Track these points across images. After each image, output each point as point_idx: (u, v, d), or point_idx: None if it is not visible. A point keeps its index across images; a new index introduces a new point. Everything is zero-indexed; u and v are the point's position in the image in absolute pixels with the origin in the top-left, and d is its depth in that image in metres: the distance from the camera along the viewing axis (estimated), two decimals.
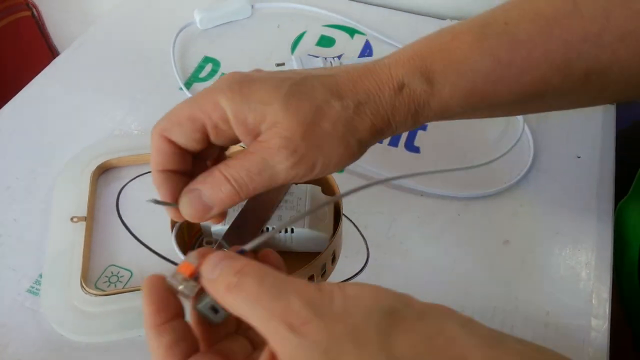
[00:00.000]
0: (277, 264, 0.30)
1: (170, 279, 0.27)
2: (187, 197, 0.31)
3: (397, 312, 0.23)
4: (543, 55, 0.31)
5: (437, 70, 0.31)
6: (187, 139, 0.31)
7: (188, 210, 0.31)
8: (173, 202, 0.31)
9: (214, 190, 0.30)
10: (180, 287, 0.26)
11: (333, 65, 0.64)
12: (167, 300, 0.26)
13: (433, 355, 0.22)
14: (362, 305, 0.23)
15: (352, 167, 0.54)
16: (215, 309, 0.26)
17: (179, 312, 0.27)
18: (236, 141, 0.32)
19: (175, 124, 0.30)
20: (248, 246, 0.28)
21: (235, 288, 0.23)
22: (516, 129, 0.58)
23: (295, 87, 0.30)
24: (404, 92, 0.31)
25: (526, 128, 0.57)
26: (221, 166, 0.30)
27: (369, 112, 0.31)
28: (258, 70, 0.32)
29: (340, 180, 0.42)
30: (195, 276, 0.26)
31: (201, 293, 0.26)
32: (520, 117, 0.58)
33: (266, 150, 0.29)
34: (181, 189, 0.31)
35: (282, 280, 0.23)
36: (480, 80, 0.32)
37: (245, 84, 0.30)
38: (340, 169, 0.32)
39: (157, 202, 0.32)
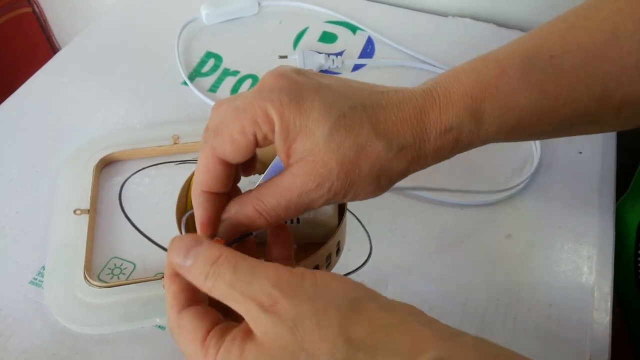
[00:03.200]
0: (286, 240, 0.32)
1: None
2: (224, 224, 0.31)
3: (361, 301, 0.26)
4: (585, 87, 0.32)
5: (486, 110, 0.31)
6: (240, 155, 0.30)
7: (229, 234, 0.31)
8: (212, 226, 0.31)
9: (249, 222, 0.30)
10: None
11: (335, 62, 0.64)
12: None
13: (390, 342, 0.24)
14: (330, 290, 0.25)
15: None
16: None
17: None
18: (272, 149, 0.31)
19: (228, 141, 0.29)
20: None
21: (212, 276, 0.26)
22: None
23: (342, 120, 0.29)
24: (451, 134, 0.31)
25: None
26: (254, 201, 0.30)
27: (409, 156, 0.31)
28: (303, 74, 0.31)
29: None
30: None
31: None
32: None
33: (302, 188, 0.29)
34: (219, 209, 0.31)
35: (254, 267, 0.26)
36: (526, 114, 0.32)
37: (294, 98, 0.29)
38: (360, 200, 0.32)
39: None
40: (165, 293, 0.29)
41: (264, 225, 0.31)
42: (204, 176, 0.31)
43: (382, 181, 0.31)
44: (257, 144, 0.30)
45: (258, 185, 0.31)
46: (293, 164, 0.30)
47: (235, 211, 0.31)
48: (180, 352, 0.27)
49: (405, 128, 0.30)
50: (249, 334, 0.25)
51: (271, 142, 0.30)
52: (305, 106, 0.29)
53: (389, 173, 0.31)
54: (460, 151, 0.33)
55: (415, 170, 0.32)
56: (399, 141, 0.30)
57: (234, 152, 0.29)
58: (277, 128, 0.29)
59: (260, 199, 0.30)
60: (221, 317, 0.27)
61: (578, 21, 0.33)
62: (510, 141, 0.35)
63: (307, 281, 0.25)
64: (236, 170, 0.32)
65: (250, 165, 0.34)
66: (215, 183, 0.31)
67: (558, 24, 0.34)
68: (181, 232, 0.37)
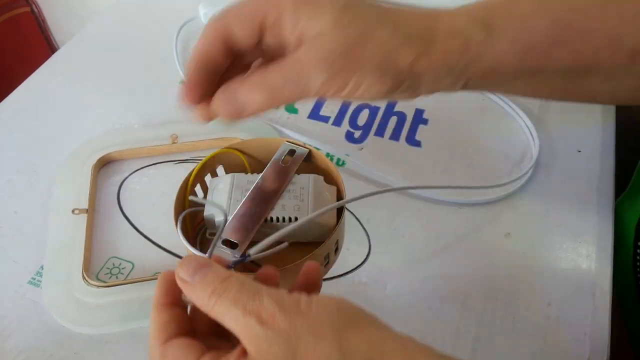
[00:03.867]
0: (273, 276, 0.32)
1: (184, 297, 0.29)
2: (223, 95, 0.31)
3: (358, 319, 0.26)
4: (597, 23, 0.32)
5: (497, 23, 0.31)
6: (245, 35, 0.30)
7: (222, 108, 0.31)
8: (201, 98, 0.32)
9: (250, 92, 0.30)
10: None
11: None
12: (174, 287, 0.29)
13: (386, 353, 0.25)
14: (324, 306, 0.26)
15: (352, 163, 0.54)
16: None
17: (181, 304, 0.29)
18: (278, 48, 0.31)
19: (238, 17, 0.30)
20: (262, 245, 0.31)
21: (217, 293, 0.26)
22: (518, 123, 0.58)
23: (351, 3, 0.30)
24: (460, 38, 0.31)
25: (528, 121, 0.57)
26: (259, 71, 0.30)
27: (416, 47, 0.30)
28: None
29: (344, 174, 0.42)
30: None
31: None
32: (521, 111, 0.58)
33: (304, 62, 0.29)
34: (211, 89, 0.31)
35: (259, 287, 0.27)
36: (538, 39, 0.31)
37: None
38: (369, 99, 0.31)
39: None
40: (151, 322, 0.28)
41: (261, 100, 0.30)
42: (205, 45, 0.31)
43: (386, 72, 0.30)
44: (265, 28, 0.30)
45: (262, 65, 0.32)
46: (300, 46, 0.30)
47: (237, 83, 0.31)
48: None
49: (414, 20, 0.30)
50: (243, 354, 0.25)
51: (274, 37, 0.30)
52: None
53: (395, 63, 0.30)
54: (471, 72, 0.32)
55: (422, 78, 0.31)
56: (406, 30, 0.30)
57: (241, 29, 0.30)
58: (288, 12, 0.29)
59: (263, 69, 0.30)
60: (206, 349, 0.27)
61: None
62: (523, 84, 0.34)
63: (303, 300, 0.26)
64: (235, 59, 0.32)
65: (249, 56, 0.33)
66: (213, 52, 0.31)
67: None
68: (178, 231, 0.37)
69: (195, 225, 0.43)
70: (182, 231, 0.37)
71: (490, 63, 0.32)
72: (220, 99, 0.31)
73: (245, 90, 0.30)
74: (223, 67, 0.32)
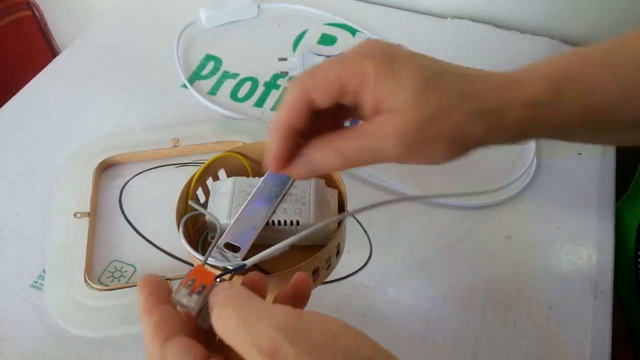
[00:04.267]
0: (259, 284, 0.31)
1: (175, 294, 0.28)
2: (301, 159, 0.32)
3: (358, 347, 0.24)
4: None
5: (568, 89, 0.32)
6: (327, 99, 0.31)
7: (299, 171, 0.33)
8: (286, 164, 0.33)
9: (327, 157, 0.32)
10: (185, 301, 0.28)
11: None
12: (157, 287, 0.28)
13: None
14: (339, 345, 0.23)
15: None
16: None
17: (168, 300, 0.28)
18: (355, 105, 0.32)
19: (322, 83, 0.31)
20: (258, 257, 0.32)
21: (219, 317, 0.25)
22: None
23: (431, 80, 0.30)
24: (530, 109, 0.32)
25: None
26: (335, 136, 0.32)
27: (489, 122, 0.31)
28: (399, 46, 0.32)
29: (345, 177, 0.42)
30: (198, 290, 0.28)
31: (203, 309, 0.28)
32: None
33: (381, 135, 0.30)
34: (292, 147, 0.32)
35: (260, 308, 0.25)
36: (604, 104, 0.32)
37: (390, 58, 0.31)
38: (431, 164, 0.33)
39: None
40: (143, 327, 0.27)
41: (336, 164, 0.32)
42: (288, 110, 0.32)
43: (457, 144, 0.31)
44: (345, 95, 0.31)
45: (340, 130, 0.32)
46: (376, 115, 0.31)
47: (315, 147, 0.32)
48: None
49: (489, 96, 0.31)
50: None
51: (355, 101, 0.31)
52: (398, 66, 0.30)
53: (466, 136, 0.31)
54: (541, 130, 0.33)
55: (493, 141, 0.32)
56: (482, 106, 0.31)
57: (324, 94, 0.31)
58: (369, 82, 0.30)
59: (342, 137, 0.31)
60: (207, 352, 0.26)
61: None
62: (591, 139, 0.36)
63: (316, 329, 0.23)
64: (313, 119, 0.33)
65: (327, 118, 0.34)
66: (297, 119, 0.32)
67: (634, 33, 0.34)
68: (180, 235, 0.37)
69: (197, 229, 0.43)
70: (184, 235, 0.38)
71: (555, 124, 0.33)
72: (298, 164, 0.33)
73: (322, 156, 0.32)
74: (303, 132, 0.33)
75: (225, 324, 0.25)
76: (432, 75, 0.31)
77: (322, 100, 0.31)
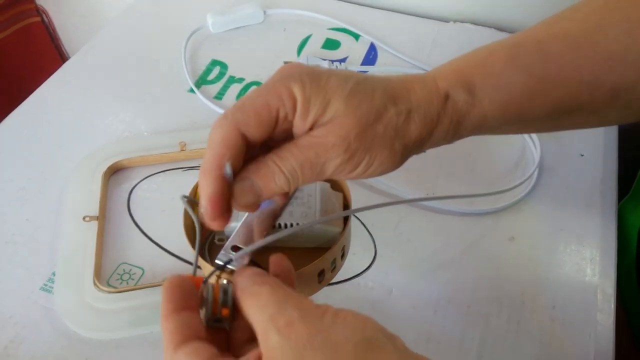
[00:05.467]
0: (287, 268, 0.32)
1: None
2: (241, 186, 0.31)
3: (378, 341, 0.25)
4: (573, 70, 0.33)
5: (476, 83, 0.33)
6: (260, 131, 0.30)
7: (242, 198, 0.31)
8: (223, 201, 0.31)
9: (268, 181, 0.31)
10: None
11: (338, 69, 0.65)
12: (178, 290, 0.29)
13: None
14: (349, 326, 0.25)
15: None
16: (219, 319, 0.29)
17: (190, 306, 0.29)
18: (286, 134, 0.32)
19: (252, 114, 0.30)
20: (249, 248, 0.32)
21: (253, 295, 0.27)
22: None
23: (358, 86, 0.31)
24: (449, 103, 0.33)
25: None
26: (274, 157, 0.31)
27: (417, 120, 0.32)
28: (318, 66, 0.33)
29: (349, 181, 0.42)
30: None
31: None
32: None
33: (320, 146, 0.30)
34: (228, 186, 0.31)
35: (288, 294, 0.27)
36: (516, 94, 0.33)
37: (315, 75, 0.31)
38: (377, 174, 0.33)
39: (187, 199, 0.33)
40: (162, 333, 0.28)
41: (281, 184, 0.31)
42: (220, 149, 0.30)
43: (396, 146, 0.32)
44: (277, 123, 0.31)
45: (278, 147, 0.32)
46: (314, 129, 0.31)
47: (254, 169, 0.31)
48: None
49: (410, 95, 0.32)
50: (258, 358, 0.25)
51: (289, 123, 0.31)
52: (322, 82, 0.31)
53: (402, 138, 0.32)
54: (464, 128, 0.34)
55: (425, 143, 0.33)
56: (407, 105, 0.32)
57: (256, 126, 0.30)
58: (299, 104, 0.30)
59: (279, 154, 0.31)
60: (217, 353, 0.27)
61: (566, 13, 0.35)
62: (512, 129, 0.36)
63: (328, 314, 0.26)
64: (245, 152, 0.32)
65: (263, 148, 0.33)
66: (230, 154, 0.30)
67: (550, 17, 0.36)
68: (190, 242, 0.38)
69: (205, 232, 0.44)
70: (189, 236, 0.38)
71: (478, 119, 0.34)
72: (239, 190, 0.31)
73: (262, 179, 0.31)
74: (239, 165, 0.31)
75: (254, 300, 0.27)
76: (357, 82, 0.31)
77: (255, 133, 0.30)
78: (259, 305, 0.26)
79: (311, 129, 0.31)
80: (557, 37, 0.34)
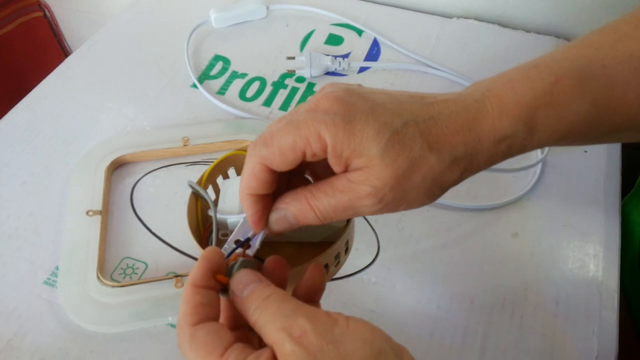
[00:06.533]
0: (282, 270, 0.33)
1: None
2: (276, 214, 0.32)
3: (387, 355, 0.26)
4: (636, 98, 0.32)
5: (539, 117, 0.31)
6: (286, 166, 0.31)
7: (277, 226, 0.33)
8: (262, 218, 0.33)
9: (301, 216, 0.32)
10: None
11: (341, 65, 0.65)
12: (213, 265, 0.30)
13: None
14: (358, 337, 0.26)
15: None
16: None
17: (215, 283, 0.30)
18: (326, 166, 0.32)
19: (278, 154, 0.30)
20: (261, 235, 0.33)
21: (262, 308, 0.28)
22: None
23: (395, 137, 0.30)
24: (504, 143, 0.32)
25: None
26: (309, 195, 0.31)
27: (461, 166, 0.31)
28: (356, 94, 0.31)
29: None
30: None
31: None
32: None
33: (354, 194, 0.30)
34: (266, 205, 0.33)
35: (299, 305, 0.27)
36: (578, 124, 0.32)
37: (348, 120, 0.29)
38: (410, 209, 0.33)
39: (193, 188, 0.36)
40: (183, 304, 0.28)
41: (313, 220, 0.32)
42: (249, 181, 0.31)
43: (434, 191, 0.31)
44: (305, 158, 0.30)
45: (314, 183, 0.33)
46: (350, 172, 0.30)
47: (290, 201, 0.32)
48: None
49: (457, 139, 0.31)
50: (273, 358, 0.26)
51: (320, 159, 0.31)
52: (358, 127, 0.29)
53: (441, 183, 0.31)
54: (512, 157, 0.33)
55: (468, 177, 0.33)
56: (452, 153, 0.30)
57: (281, 164, 0.30)
58: (329, 148, 0.29)
59: (315, 193, 0.31)
60: (234, 338, 0.27)
61: (629, 30, 0.34)
62: (558, 145, 0.35)
63: (339, 325, 0.26)
64: (278, 178, 0.33)
65: (299, 169, 0.34)
66: (260, 187, 0.31)
67: (609, 33, 0.34)
68: (197, 240, 0.38)
69: (208, 227, 0.44)
70: (194, 231, 0.38)
71: (530, 149, 0.33)
72: (277, 220, 0.33)
73: (295, 211, 0.32)
74: (275, 189, 0.33)
75: (265, 311, 0.27)
76: (395, 130, 0.30)
77: (281, 167, 0.31)
78: (271, 315, 0.27)
79: (346, 169, 0.30)
80: (623, 62, 0.32)
